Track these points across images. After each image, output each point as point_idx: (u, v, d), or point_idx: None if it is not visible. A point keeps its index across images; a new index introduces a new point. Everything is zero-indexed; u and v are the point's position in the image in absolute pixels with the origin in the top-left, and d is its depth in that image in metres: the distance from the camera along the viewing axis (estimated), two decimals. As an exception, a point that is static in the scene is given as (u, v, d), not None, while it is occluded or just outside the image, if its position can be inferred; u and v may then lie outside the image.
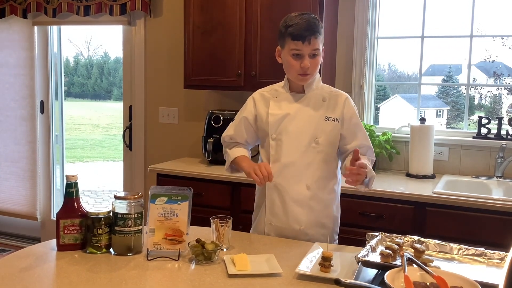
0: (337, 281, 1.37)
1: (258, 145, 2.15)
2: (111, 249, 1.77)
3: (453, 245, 1.72)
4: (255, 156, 2.29)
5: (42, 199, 4.46)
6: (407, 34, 3.35)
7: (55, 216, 4.19)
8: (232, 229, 1.86)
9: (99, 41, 14.23)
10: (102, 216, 1.76)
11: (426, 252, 1.66)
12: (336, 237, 2.10)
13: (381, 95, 3.70)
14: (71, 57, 14.08)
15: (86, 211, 1.78)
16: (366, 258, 1.57)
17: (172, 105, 3.89)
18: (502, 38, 3.28)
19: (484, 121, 3.08)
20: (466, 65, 3.23)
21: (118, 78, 13.30)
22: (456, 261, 1.65)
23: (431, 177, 3.03)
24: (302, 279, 1.56)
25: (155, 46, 3.90)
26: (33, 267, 1.64)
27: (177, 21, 3.68)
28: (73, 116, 13.50)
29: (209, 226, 1.85)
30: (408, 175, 3.09)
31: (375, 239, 1.74)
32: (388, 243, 1.69)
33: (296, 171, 1.97)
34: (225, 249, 1.81)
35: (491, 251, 1.66)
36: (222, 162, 3.29)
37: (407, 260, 1.47)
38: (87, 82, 14.82)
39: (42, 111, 4.39)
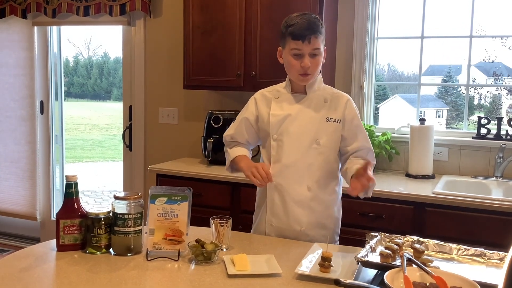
0: (336, 282, 1.38)
1: (259, 145, 2.15)
2: (110, 250, 1.77)
3: (453, 245, 1.72)
4: (255, 156, 2.29)
5: (41, 199, 4.46)
6: (407, 34, 3.36)
7: (54, 216, 4.19)
8: (231, 230, 1.86)
9: (99, 41, 14.23)
10: (102, 217, 1.76)
11: (426, 252, 1.66)
12: (337, 238, 2.10)
13: (381, 95, 3.70)
14: (71, 57, 14.08)
15: (86, 211, 1.78)
16: (366, 258, 1.57)
17: (172, 105, 3.89)
18: (502, 39, 3.28)
19: (483, 121, 3.08)
20: (465, 66, 3.23)
21: (118, 78, 13.30)
22: (455, 261, 1.66)
23: (431, 177, 3.04)
24: (301, 280, 1.56)
25: (155, 46, 3.90)
26: (33, 267, 1.64)
27: (177, 21, 3.68)
28: (73, 116, 13.50)
29: (209, 227, 1.85)
30: (408, 175, 3.09)
31: (375, 240, 1.74)
32: (388, 243, 1.69)
33: (297, 172, 1.97)
34: (224, 250, 1.81)
35: (491, 251, 1.66)
36: (222, 162, 3.29)
37: (406, 260, 1.47)
38: (86, 82, 14.82)
39: (42, 111, 4.39)
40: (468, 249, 1.69)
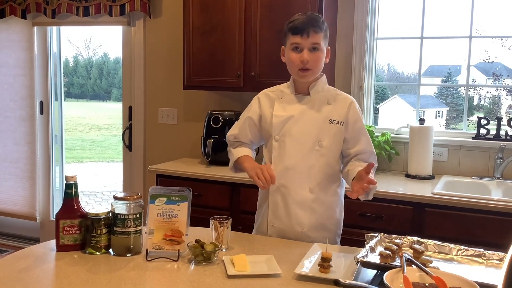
0: (336, 282, 1.38)
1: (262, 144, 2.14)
2: (110, 250, 1.77)
3: (452, 245, 1.72)
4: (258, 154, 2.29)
5: (41, 199, 4.46)
6: (407, 34, 3.36)
7: (54, 217, 4.19)
8: (231, 230, 1.86)
9: (99, 41, 14.24)
10: (102, 217, 1.76)
11: (425, 252, 1.66)
12: (339, 239, 2.09)
13: (381, 96, 3.71)
14: (70, 57, 14.10)
15: (86, 211, 1.78)
16: (365, 259, 1.57)
17: (172, 105, 3.89)
18: (502, 39, 3.28)
19: (483, 121, 3.09)
20: (465, 66, 3.23)
21: (117, 79, 13.31)
22: (455, 262, 1.66)
23: (430, 177, 3.04)
24: (301, 280, 1.56)
25: (154, 46, 3.90)
26: (33, 267, 1.64)
27: (177, 22, 3.68)
28: (73, 117, 13.50)
29: (209, 227, 1.85)
30: (407, 175, 3.09)
31: (374, 240, 1.74)
32: (387, 243, 1.69)
33: (299, 173, 1.96)
34: (224, 250, 1.81)
35: (490, 252, 1.66)
36: (221, 162, 3.32)
37: (406, 261, 1.47)
38: (86, 83, 14.83)
39: (41, 112, 4.39)
40: (468, 250, 1.69)
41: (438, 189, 2.69)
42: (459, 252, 1.70)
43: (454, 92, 4.04)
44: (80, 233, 1.77)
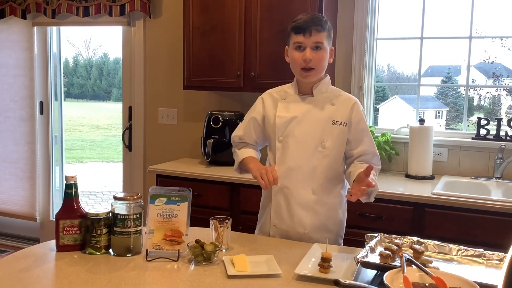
0: (336, 282, 1.38)
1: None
2: (110, 250, 1.77)
3: (452, 246, 1.72)
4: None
5: (41, 199, 4.46)
6: (406, 35, 3.36)
7: (54, 217, 4.19)
8: (231, 230, 1.86)
9: (99, 42, 14.25)
10: (102, 217, 1.76)
11: (425, 253, 1.66)
12: (341, 241, 2.08)
13: (380, 96, 3.71)
14: (70, 57, 14.11)
15: (86, 211, 1.78)
16: (365, 259, 1.57)
17: (172, 106, 3.89)
18: (501, 39, 3.28)
19: (483, 122, 3.09)
20: (465, 66, 3.23)
21: (117, 79, 13.32)
22: (455, 262, 1.66)
23: (430, 178, 3.04)
24: (301, 280, 1.56)
25: (154, 47, 3.90)
26: (32, 268, 1.64)
27: (177, 22, 3.68)
28: (73, 117, 13.51)
29: (209, 227, 1.85)
30: (407, 176, 3.09)
31: (374, 240, 1.74)
32: (387, 244, 1.69)
33: (302, 174, 1.96)
34: (224, 250, 1.81)
35: (490, 252, 1.66)
36: (221, 162, 3.32)
37: (406, 261, 1.47)
38: (86, 83, 14.84)
39: (41, 112, 4.39)
40: (468, 250, 1.69)
41: (438, 189, 2.69)
42: (459, 252, 1.70)
43: (454, 92, 4.04)
44: (80, 233, 1.77)
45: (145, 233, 1.79)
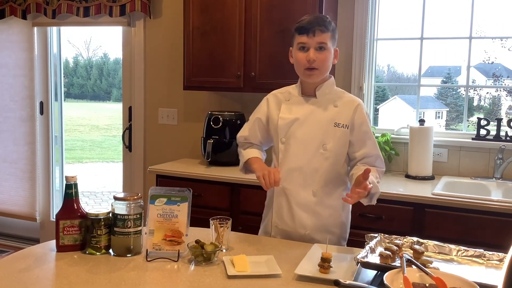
0: (336, 282, 1.38)
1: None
2: (110, 250, 1.77)
3: (452, 246, 1.72)
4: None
5: (41, 200, 4.46)
6: (407, 35, 3.36)
7: (54, 217, 4.19)
8: (231, 230, 1.86)
9: (99, 42, 14.25)
10: (102, 217, 1.76)
11: (425, 253, 1.66)
12: (344, 243, 2.07)
13: (381, 97, 3.71)
14: (70, 58, 14.11)
15: (86, 212, 1.78)
16: (365, 259, 1.57)
17: (172, 106, 3.89)
18: (501, 40, 3.28)
19: (483, 122, 3.09)
20: (465, 67, 3.23)
21: (117, 79, 13.32)
22: (455, 262, 1.66)
23: (430, 178, 3.04)
24: (301, 280, 1.56)
25: (154, 47, 3.90)
26: (32, 268, 1.64)
27: (177, 22, 3.68)
28: (73, 117, 13.51)
29: (209, 227, 1.85)
30: (407, 176, 3.09)
31: (374, 240, 1.74)
32: (387, 244, 1.69)
33: (303, 176, 1.96)
34: (224, 250, 1.81)
35: (490, 252, 1.66)
36: (221, 163, 3.33)
37: (406, 261, 1.47)
38: (86, 83, 14.84)
39: (41, 112, 4.39)
40: (468, 250, 1.69)
41: (438, 189, 2.69)
42: (459, 252, 1.70)
43: (454, 93, 4.04)
44: (80, 234, 1.77)
45: (145, 233, 1.79)
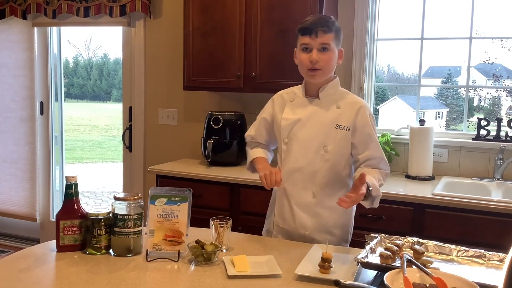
0: (336, 283, 1.38)
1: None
2: (110, 250, 1.77)
3: (453, 246, 1.72)
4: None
5: (41, 200, 4.46)
6: (407, 35, 3.36)
7: (54, 217, 4.19)
8: (231, 231, 1.86)
9: (99, 42, 14.25)
10: (102, 217, 1.76)
11: (426, 253, 1.66)
12: (346, 245, 2.06)
13: (381, 97, 3.71)
14: (70, 58, 14.10)
15: (86, 212, 1.78)
16: (366, 260, 1.57)
17: (172, 106, 3.89)
18: (502, 40, 3.28)
19: (483, 122, 3.09)
20: (465, 67, 3.23)
21: (117, 79, 13.32)
22: (455, 263, 1.66)
23: (430, 178, 3.04)
24: (301, 281, 1.56)
25: (155, 47, 3.90)
26: (32, 268, 1.64)
27: (177, 23, 3.68)
28: (73, 117, 13.50)
29: (209, 227, 1.85)
30: (408, 176, 3.09)
31: (375, 241, 1.74)
32: (388, 244, 1.69)
33: (303, 177, 1.96)
34: (224, 250, 1.81)
35: (490, 253, 1.66)
36: (221, 163, 3.33)
37: (406, 262, 1.47)
38: (86, 83, 14.84)
39: (41, 112, 4.39)
40: (468, 250, 1.69)
41: (438, 190, 2.69)
42: (460, 253, 1.70)
43: (454, 93, 4.04)
44: (80, 234, 1.77)
45: (146, 233, 1.79)
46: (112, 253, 1.76)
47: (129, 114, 4.07)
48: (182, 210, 1.76)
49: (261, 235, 2.14)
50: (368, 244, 1.71)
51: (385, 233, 1.82)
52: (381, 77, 3.69)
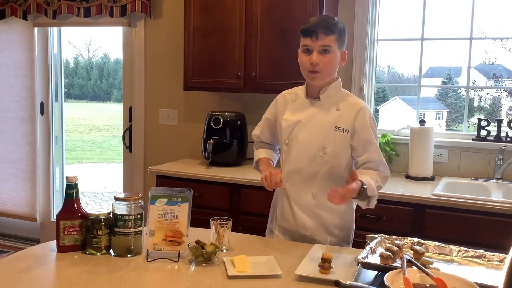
0: (336, 283, 1.38)
1: None
2: (111, 251, 1.77)
3: (453, 247, 1.72)
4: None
5: (41, 200, 4.46)
6: (407, 36, 3.36)
7: (54, 218, 4.19)
8: (231, 231, 1.86)
9: (99, 42, 14.24)
10: (102, 218, 1.76)
11: (426, 254, 1.66)
12: (347, 246, 2.05)
13: (381, 97, 3.71)
14: (71, 58, 14.09)
15: (86, 212, 1.78)
16: (366, 260, 1.57)
17: (172, 106, 3.89)
18: (502, 41, 3.28)
19: (483, 123, 3.09)
20: (465, 67, 3.23)
21: (117, 80, 13.31)
22: (455, 263, 1.66)
23: (431, 179, 3.04)
24: (301, 281, 1.56)
25: (155, 47, 3.90)
26: (33, 268, 1.64)
27: (177, 23, 3.68)
28: (73, 118, 13.50)
29: (209, 228, 1.86)
30: (408, 177, 3.09)
31: (375, 241, 1.74)
32: (388, 244, 1.69)
33: (303, 178, 1.97)
34: (224, 251, 1.81)
35: (491, 253, 1.66)
36: (222, 163, 3.33)
37: (406, 262, 1.47)
38: (86, 84, 14.83)
39: (42, 113, 4.40)
40: (468, 251, 1.69)
41: (438, 190, 2.69)
42: (460, 253, 1.70)
43: (455, 93, 4.04)
44: (80, 234, 1.77)
45: (146, 233, 1.79)
46: (113, 253, 1.76)
47: (129, 115, 4.07)
48: (183, 211, 1.76)
49: (261, 235, 2.14)
50: (368, 244, 1.71)
51: (385, 234, 1.82)
52: (382, 78, 3.69)
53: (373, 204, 1.89)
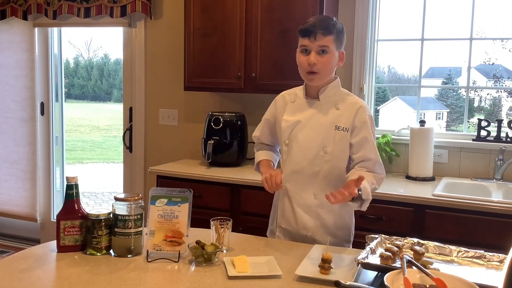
0: (336, 283, 1.38)
1: None
2: (111, 251, 1.77)
3: (453, 247, 1.73)
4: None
5: (42, 200, 4.46)
6: (407, 36, 3.36)
7: (55, 218, 4.19)
8: (232, 231, 1.86)
9: (99, 42, 14.23)
10: (102, 218, 1.76)
11: (426, 254, 1.66)
12: (347, 245, 2.06)
13: (381, 98, 3.71)
14: (71, 58, 14.09)
15: (86, 212, 1.79)
16: (366, 260, 1.57)
17: (172, 107, 3.89)
18: (502, 41, 3.28)
19: (483, 123, 3.09)
20: (466, 68, 3.23)
21: (118, 80, 13.31)
22: (455, 263, 1.66)
23: (431, 179, 3.04)
24: (301, 281, 1.56)
25: (155, 48, 3.90)
26: (33, 268, 1.64)
27: (178, 23, 3.68)
28: (73, 118, 13.50)
29: (209, 228, 1.86)
30: (408, 177, 3.09)
31: (375, 241, 1.74)
32: (388, 245, 1.69)
33: (304, 179, 1.97)
34: (225, 251, 1.81)
35: (491, 254, 1.66)
36: (222, 164, 3.33)
37: (406, 262, 1.47)
38: (87, 84, 14.83)
39: (42, 113, 4.40)
40: (468, 251, 1.69)
41: (438, 190, 2.69)
42: (460, 253, 1.70)
43: (455, 94, 4.04)
44: (80, 234, 1.77)
45: (146, 234, 1.79)
46: (113, 254, 1.76)
47: (129, 115, 4.07)
48: (183, 211, 1.76)
49: (261, 235, 2.14)
50: (368, 245, 1.71)
51: (385, 234, 1.82)
52: (382, 78, 3.69)
53: (365, 207, 1.88)
